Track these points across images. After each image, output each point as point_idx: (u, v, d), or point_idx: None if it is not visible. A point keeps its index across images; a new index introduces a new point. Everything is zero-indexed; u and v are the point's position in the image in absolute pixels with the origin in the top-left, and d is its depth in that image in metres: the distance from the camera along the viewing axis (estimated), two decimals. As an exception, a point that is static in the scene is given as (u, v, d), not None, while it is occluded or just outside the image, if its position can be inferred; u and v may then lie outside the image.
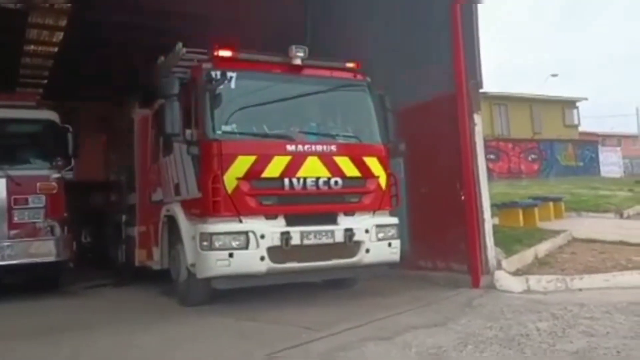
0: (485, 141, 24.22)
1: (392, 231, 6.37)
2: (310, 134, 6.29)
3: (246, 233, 5.65)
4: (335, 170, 6.11)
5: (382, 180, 6.41)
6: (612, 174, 31.90)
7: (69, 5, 10.40)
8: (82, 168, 8.51)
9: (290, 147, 5.97)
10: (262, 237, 5.67)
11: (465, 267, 6.87)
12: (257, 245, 5.65)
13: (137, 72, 8.88)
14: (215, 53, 6.08)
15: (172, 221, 6.61)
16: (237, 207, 5.72)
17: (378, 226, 6.24)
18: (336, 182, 6.09)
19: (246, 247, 5.63)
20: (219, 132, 5.84)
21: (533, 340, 4.33)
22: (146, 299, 7.42)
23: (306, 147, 6.04)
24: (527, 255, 7.42)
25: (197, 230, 5.76)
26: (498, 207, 10.95)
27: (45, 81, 14.03)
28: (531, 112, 32.72)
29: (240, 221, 5.74)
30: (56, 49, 12.32)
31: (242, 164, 5.76)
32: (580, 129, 36.60)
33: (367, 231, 6.14)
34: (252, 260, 5.64)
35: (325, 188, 6.04)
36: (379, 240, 6.22)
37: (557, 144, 30.92)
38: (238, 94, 6.02)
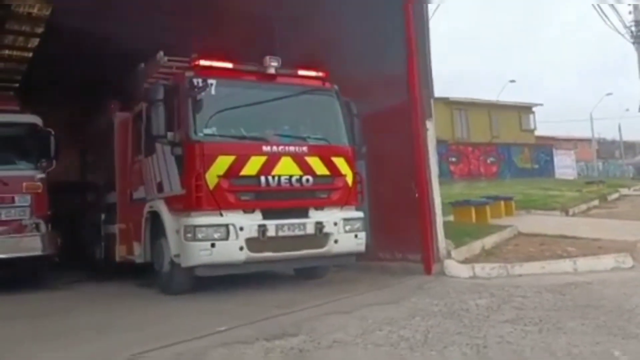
0: (447, 144, 25.30)
1: (358, 224, 7.01)
2: (283, 136, 6.88)
3: (226, 225, 6.22)
4: (307, 168, 6.73)
5: (349, 179, 7.05)
6: (566, 176, 33.18)
7: (47, 13, 10.85)
8: (56, 170, 8.69)
9: (266, 148, 6.56)
10: (241, 229, 6.25)
11: (419, 257, 7.53)
12: (237, 237, 6.23)
13: (116, 78, 9.32)
14: (197, 62, 6.64)
15: (155, 217, 7.09)
16: (218, 202, 6.29)
17: (345, 219, 6.88)
18: (307, 180, 6.70)
19: (226, 238, 6.20)
20: (200, 134, 6.40)
21: (471, 313, 4.98)
22: (125, 289, 7.96)
23: (280, 147, 6.64)
24: (475, 247, 8.16)
25: (182, 224, 6.30)
26: (453, 205, 11.72)
27: (17, 85, 14.03)
28: (490, 117, 34.05)
29: (221, 215, 6.30)
30: (31, 54, 12.63)
31: (222, 163, 6.33)
32: (537, 133, 38.11)
33: (335, 224, 6.77)
34: (232, 250, 6.22)
35: (298, 185, 6.65)
36: (346, 232, 6.86)
37: (514, 147, 32.21)
38: (217, 100, 6.57)
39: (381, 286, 6.77)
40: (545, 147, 35.69)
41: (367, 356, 3.85)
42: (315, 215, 6.75)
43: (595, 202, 17.66)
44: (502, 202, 13.27)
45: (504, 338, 4.05)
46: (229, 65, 6.85)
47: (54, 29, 11.00)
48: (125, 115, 8.60)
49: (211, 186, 6.26)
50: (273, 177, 6.51)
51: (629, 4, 20.32)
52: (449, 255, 7.54)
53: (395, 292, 6.28)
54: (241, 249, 6.25)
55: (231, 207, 6.35)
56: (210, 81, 6.48)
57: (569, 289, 5.91)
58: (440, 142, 19.12)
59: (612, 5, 19.95)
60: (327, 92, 7.37)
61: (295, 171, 6.66)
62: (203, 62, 6.65)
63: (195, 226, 6.18)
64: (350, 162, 7.12)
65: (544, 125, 40.14)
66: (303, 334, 4.41)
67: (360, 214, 7.14)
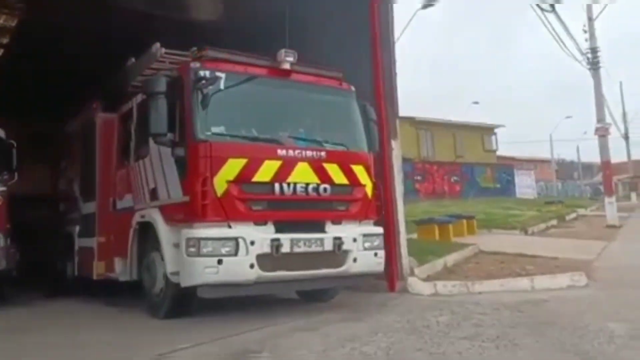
0: (412, 163, 25.69)
1: (378, 241, 6.29)
2: (299, 140, 6.10)
3: (236, 239, 5.41)
4: (325, 177, 5.98)
5: (369, 189, 6.33)
6: (526, 195, 34.21)
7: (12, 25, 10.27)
8: (24, 181, 8.19)
9: (281, 152, 5.80)
10: (252, 243, 5.45)
11: (383, 274, 7.02)
12: (247, 252, 5.42)
13: (97, 76, 8.42)
14: (204, 52, 5.86)
15: (146, 228, 6.27)
16: (226, 211, 5.46)
17: (365, 235, 6.15)
18: (325, 189, 5.95)
19: (235, 253, 5.39)
20: (208, 133, 5.58)
21: (432, 329, 5.07)
22: (88, 307, 7.54)
23: (296, 152, 5.88)
24: (437, 265, 8.32)
25: (183, 236, 5.44)
26: (417, 223, 11.93)
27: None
28: (454, 137, 34.40)
29: (229, 226, 5.49)
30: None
31: (232, 167, 5.53)
32: (499, 153, 38.88)
33: (354, 240, 6.02)
34: (241, 268, 5.40)
35: (315, 195, 5.89)
36: (366, 249, 6.12)
37: (477, 167, 32.82)
38: (227, 96, 5.77)
39: (345, 304, 6.70)
40: (507, 167, 36.66)
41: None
42: (332, 230, 5.99)
43: (554, 222, 18.36)
44: (465, 221, 13.71)
45: (462, 354, 4.17)
46: (240, 58, 6.07)
47: (21, 38, 10.44)
48: (109, 117, 7.76)
49: (219, 193, 5.44)
50: (288, 184, 5.74)
51: (585, 31, 21.36)
52: (412, 273, 7.64)
53: (359, 310, 6.31)
54: (252, 266, 5.43)
55: (241, 217, 5.53)
56: (219, 74, 5.70)
57: (526, 307, 6.06)
58: (406, 161, 19.50)
59: (569, 34, 20.79)
60: (344, 93, 6.71)
61: (313, 179, 5.90)
62: (211, 53, 5.86)
63: (200, 239, 5.33)
64: (369, 171, 6.43)
65: (506, 146, 41.30)
66: (266, 351, 4.42)
67: (380, 230, 6.44)
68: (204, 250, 5.32)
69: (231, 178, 5.52)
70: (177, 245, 5.62)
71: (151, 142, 6.11)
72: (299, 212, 5.86)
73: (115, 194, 7.41)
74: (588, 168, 56.85)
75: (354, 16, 8.31)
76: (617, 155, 41.75)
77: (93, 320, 6.58)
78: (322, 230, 5.96)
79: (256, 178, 5.64)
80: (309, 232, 5.83)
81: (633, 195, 40.43)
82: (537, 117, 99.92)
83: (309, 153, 5.97)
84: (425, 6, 17.62)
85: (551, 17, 20.57)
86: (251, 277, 5.45)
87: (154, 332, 5.53)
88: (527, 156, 48.80)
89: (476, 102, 44.55)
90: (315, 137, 6.30)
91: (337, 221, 6.09)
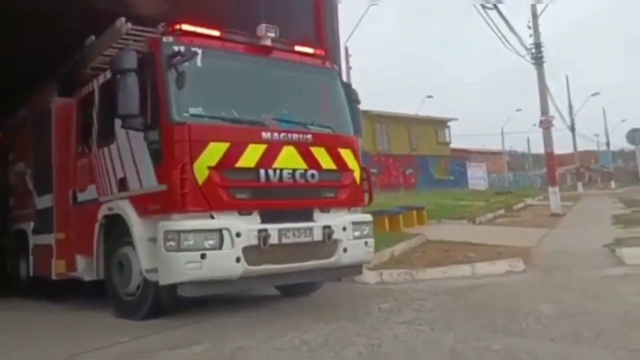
0: (369, 155, 25.77)
1: (367, 229, 5.93)
2: (283, 122, 5.62)
3: (220, 231, 4.90)
4: (312, 161, 5.55)
5: (357, 175, 5.95)
6: (478, 186, 35.18)
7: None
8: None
9: (266, 135, 5.32)
10: (238, 235, 4.95)
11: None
12: (232, 245, 4.92)
13: (50, 59, 7.64)
14: (177, 26, 5.30)
15: (114, 221, 5.72)
16: (208, 200, 4.96)
17: (354, 224, 5.76)
18: (312, 175, 5.51)
19: (220, 247, 4.88)
20: (185, 114, 5.04)
21: (374, 316, 5.21)
22: (34, 308, 7.13)
23: (282, 135, 5.40)
24: (384, 254, 8.30)
25: (160, 229, 4.87)
26: None
27: None
28: (409, 131, 34.98)
29: (212, 217, 4.99)
30: None
31: (214, 152, 5.02)
32: (452, 146, 39.55)
33: (344, 229, 5.62)
34: (226, 262, 4.91)
35: (302, 181, 5.45)
36: (355, 238, 5.73)
37: (431, 159, 33.50)
38: (203, 74, 5.27)
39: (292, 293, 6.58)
40: (460, 160, 37.55)
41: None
42: (320, 219, 5.56)
43: (501, 212, 18.78)
44: (415, 212, 13.66)
45: (398, 337, 4.36)
46: (216, 32, 5.52)
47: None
48: (66, 102, 7.08)
49: (200, 180, 4.92)
50: (274, 170, 5.28)
51: (529, 27, 22.00)
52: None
53: (305, 299, 6.37)
54: (238, 260, 4.94)
55: (224, 207, 5.03)
56: (195, 49, 5.16)
57: (465, 292, 6.29)
58: (363, 154, 19.54)
59: (512, 30, 21.41)
60: (328, 72, 6.27)
61: (299, 164, 5.45)
62: (185, 27, 5.31)
63: (180, 232, 4.79)
64: (357, 155, 6.03)
65: (460, 138, 42.28)
66: (208, 342, 4.41)
67: (369, 217, 6.08)
68: (185, 244, 4.78)
69: (212, 164, 5.01)
70: (153, 240, 5.09)
71: (117, 127, 5.56)
72: (286, 200, 5.42)
73: (76, 186, 6.78)
74: (539, 159, 58.84)
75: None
76: (565, 147, 43.79)
77: (25, 321, 6.29)
78: (310, 219, 5.52)
79: (240, 164, 5.15)
80: (296, 221, 5.38)
81: (579, 185, 42.12)
82: (489, 110, 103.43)
83: (295, 136, 5.50)
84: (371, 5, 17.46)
85: (495, 14, 21.06)
86: (237, 272, 4.97)
87: (95, 330, 5.32)
88: (480, 148, 50.20)
89: (430, 96, 45.35)
90: (299, 119, 5.82)
91: (325, 209, 5.67)
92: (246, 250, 5.01)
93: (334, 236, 5.53)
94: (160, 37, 5.33)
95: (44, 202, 7.53)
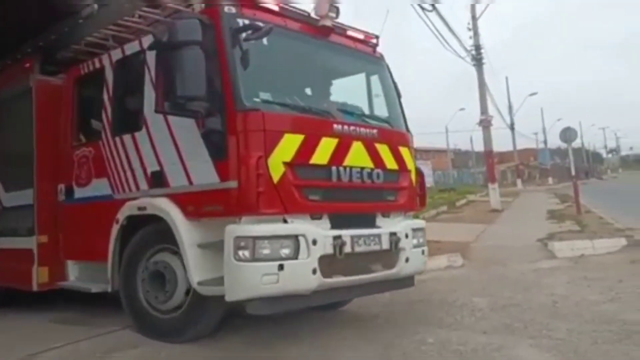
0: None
1: (423, 236, 5.41)
2: (346, 113, 4.99)
3: (296, 237, 4.19)
4: (378, 160, 4.95)
5: (413, 176, 5.42)
6: (424, 184, 36.13)
7: None
8: None
9: (337, 127, 4.64)
10: (314, 242, 4.25)
11: None
12: (308, 254, 4.22)
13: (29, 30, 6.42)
14: None
15: (138, 224, 4.86)
16: (283, 201, 4.22)
17: (414, 230, 5.21)
18: (378, 175, 4.90)
19: (296, 256, 4.17)
20: (256, 100, 4.31)
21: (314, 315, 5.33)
22: None
23: (351, 128, 4.76)
24: None
25: (229, 234, 4.06)
26: None
27: None
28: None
29: (285, 221, 4.26)
30: None
31: (289, 145, 4.29)
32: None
33: (406, 236, 5.05)
34: (304, 274, 4.19)
35: (369, 181, 4.83)
36: (414, 247, 5.17)
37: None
38: (268, 53, 4.54)
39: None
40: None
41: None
42: (383, 224, 4.97)
43: (444, 208, 19.37)
44: None
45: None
46: (274, 7, 4.74)
47: None
48: (51, 80, 6.10)
49: (275, 178, 4.18)
50: (345, 168, 4.63)
51: (469, 29, 22.55)
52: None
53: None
54: (314, 271, 4.24)
55: (298, 209, 4.32)
56: (263, 24, 4.37)
57: None
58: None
59: (452, 32, 21.98)
60: (379, 62, 5.69)
61: (367, 162, 4.83)
62: None
63: (256, 238, 4.03)
64: (413, 154, 5.51)
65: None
66: (143, 346, 4.36)
67: (423, 223, 5.55)
68: (262, 253, 4.02)
69: (288, 159, 4.28)
70: (204, 246, 4.35)
71: (148, 111, 4.72)
72: (354, 203, 4.79)
73: (71, 180, 5.77)
74: (482, 157, 61.75)
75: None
76: (506, 145, 45.66)
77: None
78: (373, 224, 4.91)
79: (314, 160, 4.45)
80: (362, 227, 4.75)
81: (519, 182, 44.26)
82: (434, 109, 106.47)
83: (362, 130, 4.87)
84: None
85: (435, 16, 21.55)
86: (313, 285, 4.26)
87: (29, 334, 5.23)
88: (425, 146, 51.00)
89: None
90: (361, 111, 5.25)
91: (386, 213, 5.08)
92: (321, 260, 4.32)
93: (400, 244, 4.95)
94: (216, 7, 4.47)
95: (15, 198, 6.39)
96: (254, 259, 4.02)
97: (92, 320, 5.54)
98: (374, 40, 5.69)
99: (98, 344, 4.60)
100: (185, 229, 4.45)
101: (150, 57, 4.73)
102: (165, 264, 4.64)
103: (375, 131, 5.00)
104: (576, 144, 27.23)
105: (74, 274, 5.70)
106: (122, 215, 4.99)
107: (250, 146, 4.17)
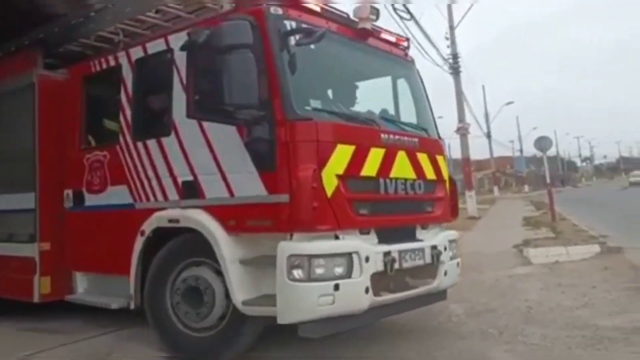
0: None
1: (457, 248, 5.27)
2: (387, 121, 4.77)
3: (350, 255, 3.94)
4: (419, 170, 4.77)
5: (448, 186, 5.24)
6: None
7: None
8: None
9: (385, 137, 4.42)
10: (367, 260, 4.01)
11: None
12: (361, 272, 3.97)
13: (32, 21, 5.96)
14: None
15: (163, 235, 4.53)
16: (336, 216, 3.97)
17: (450, 242, 5.03)
18: (420, 186, 4.73)
19: (349, 275, 3.92)
20: (307, 108, 4.04)
21: None
22: None
23: (397, 137, 4.55)
24: None
25: (283, 252, 3.79)
26: None
27: None
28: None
29: (337, 237, 4.01)
30: None
31: (341, 156, 4.04)
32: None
33: (445, 248, 4.87)
34: (357, 294, 3.95)
35: (412, 193, 4.65)
36: (451, 259, 5.00)
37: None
38: (314, 58, 4.27)
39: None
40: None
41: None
42: (423, 237, 4.80)
43: None
44: None
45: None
46: (316, 7, 4.44)
47: None
48: (56, 77, 5.70)
49: (329, 192, 3.93)
50: (391, 180, 4.43)
51: (447, 39, 22.76)
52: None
53: None
54: (367, 290, 4.01)
55: (349, 224, 4.08)
56: (307, 28, 4.13)
57: None
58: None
59: (430, 41, 22.23)
60: (411, 67, 5.50)
61: (410, 173, 4.64)
62: None
63: (312, 256, 3.77)
64: (447, 163, 5.34)
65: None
66: (116, 353, 4.38)
67: (457, 234, 5.37)
68: (317, 272, 3.76)
69: (340, 171, 4.02)
70: (246, 262, 4.07)
71: (178, 115, 4.38)
72: (397, 216, 4.57)
73: (80, 185, 5.37)
74: (459, 164, 62.75)
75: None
76: (483, 153, 46.29)
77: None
78: (414, 237, 4.73)
79: (364, 172, 4.21)
80: (405, 240, 4.54)
81: (495, 189, 44.93)
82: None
83: (406, 139, 4.67)
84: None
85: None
86: (365, 305, 4.03)
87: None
88: None
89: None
90: (400, 119, 5.05)
91: (425, 225, 4.90)
92: (373, 277, 4.09)
93: (441, 257, 4.78)
94: (261, 7, 4.14)
95: (12, 202, 5.94)
96: (310, 278, 3.76)
97: (62, 329, 5.43)
98: (405, 43, 5.49)
99: (70, 351, 4.56)
100: (226, 244, 4.13)
101: (180, 57, 4.41)
102: (201, 279, 4.31)
103: (416, 140, 4.81)
104: (551, 152, 27.90)
105: (83, 286, 5.35)
106: (148, 227, 4.62)
107: (303, 158, 3.89)
